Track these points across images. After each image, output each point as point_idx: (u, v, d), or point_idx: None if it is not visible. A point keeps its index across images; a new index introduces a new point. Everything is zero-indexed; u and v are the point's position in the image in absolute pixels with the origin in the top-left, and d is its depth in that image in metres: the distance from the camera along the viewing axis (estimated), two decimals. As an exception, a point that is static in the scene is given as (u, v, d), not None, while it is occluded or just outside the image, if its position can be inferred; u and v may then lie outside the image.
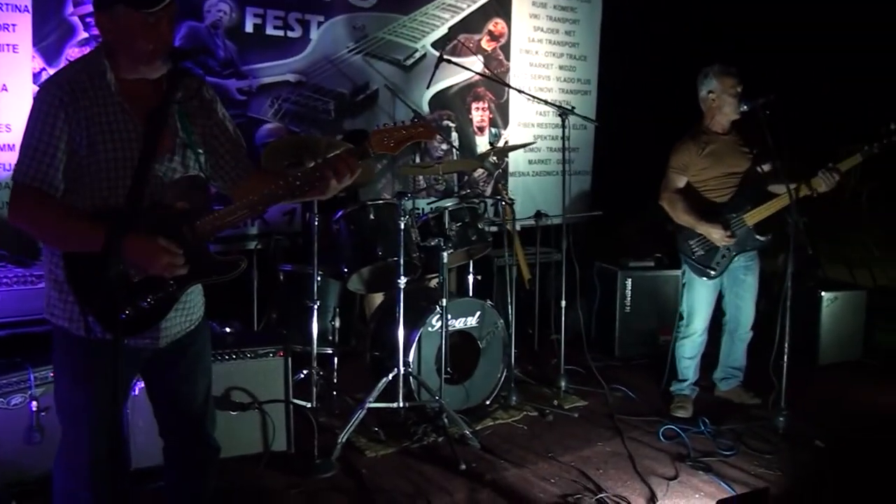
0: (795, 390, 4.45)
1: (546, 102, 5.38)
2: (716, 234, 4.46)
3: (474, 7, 6.32)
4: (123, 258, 2.17)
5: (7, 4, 4.31)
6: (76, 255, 2.27)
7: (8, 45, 4.34)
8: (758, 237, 4.52)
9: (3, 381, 3.42)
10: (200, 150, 2.47)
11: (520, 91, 5.60)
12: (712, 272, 4.57)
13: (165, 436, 2.71)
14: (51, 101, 2.24)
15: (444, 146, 6.15)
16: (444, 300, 4.28)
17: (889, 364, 5.64)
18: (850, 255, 7.24)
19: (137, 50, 2.26)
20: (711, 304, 4.69)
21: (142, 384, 3.02)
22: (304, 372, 4.49)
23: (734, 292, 4.71)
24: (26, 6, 4.36)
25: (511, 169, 6.61)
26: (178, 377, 2.59)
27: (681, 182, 4.58)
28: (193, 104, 2.45)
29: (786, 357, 4.29)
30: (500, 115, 6.58)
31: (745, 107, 4.36)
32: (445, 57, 5.11)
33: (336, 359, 4.71)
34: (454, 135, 6.30)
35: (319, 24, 5.52)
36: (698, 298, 4.65)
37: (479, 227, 4.70)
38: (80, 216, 2.27)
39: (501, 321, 4.66)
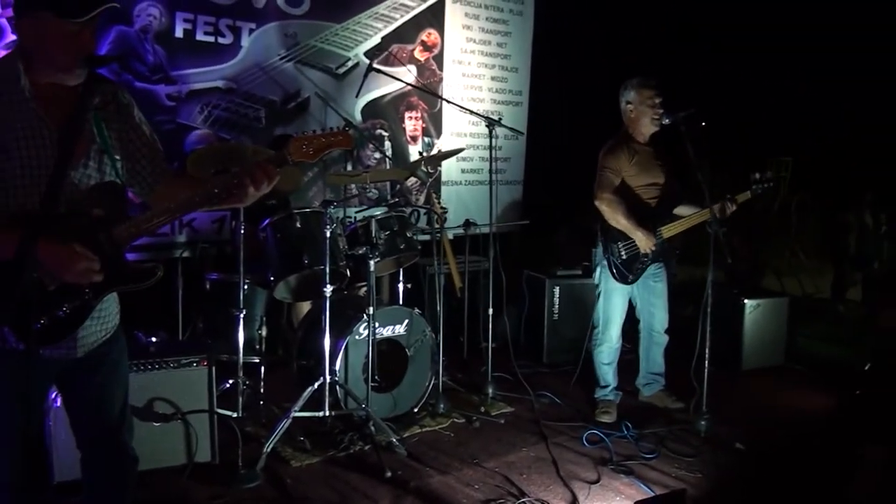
0: (718, 395, 4.59)
1: (473, 113, 5.44)
2: (649, 242, 4.56)
3: (408, 17, 6.35)
4: (38, 263, 2.14)
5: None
6: (-11, 262, 2.22)
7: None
8: (669, 248, 4.67)
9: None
10: (117, 157, 2.44)
11: (448, 101, 5.66)
12: (630, 277, 4.67)
13: (83, 447, 2.67)
14: None
15: (377, 155, 6.16)
16: (371, 308, 4.27)
17: (810, 369, 5.80)
18: (779, 264, 7.46)
19: (59, 58, 2.24)
20: (625, 311, 4.80)
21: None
22: (231, 381, 4.46)
23: (646, 299, 4.83)
24: (-47, 8, 4.27)
25: (444, 178, 6.65)
26: (95, 387, 2.55)
27: (617, 182, 4.63)
28: (110, 109, 2.42)
29: (706, 362, 4.39)
30: (434, 125, 6.62)
31: (668, 120, 4.47)
32: (375, 66, 5.14)
33: (263, 368, 4.68)
34: (387, 144, 6.31)
35: (251, 30, 5.48)
36: (615, 307, 4.75)
37: (408, 235, 4.71)
38: None
39: (429, 329, 4.68)
